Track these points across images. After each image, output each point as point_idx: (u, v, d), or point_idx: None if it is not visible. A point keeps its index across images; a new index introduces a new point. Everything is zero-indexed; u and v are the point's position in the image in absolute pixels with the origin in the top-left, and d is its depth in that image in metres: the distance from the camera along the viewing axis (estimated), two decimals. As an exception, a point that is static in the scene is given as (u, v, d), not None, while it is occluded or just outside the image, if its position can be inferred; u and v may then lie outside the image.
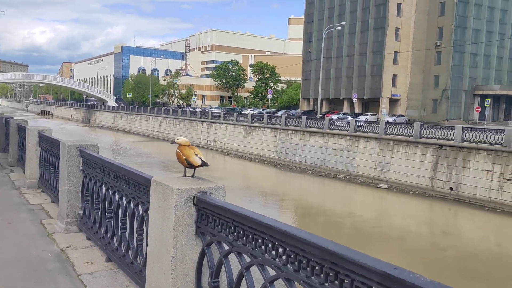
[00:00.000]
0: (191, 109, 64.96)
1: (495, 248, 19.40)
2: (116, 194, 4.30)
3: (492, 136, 25.07)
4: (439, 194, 26.78)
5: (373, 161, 31.22)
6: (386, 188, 29.31)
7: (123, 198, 4.02)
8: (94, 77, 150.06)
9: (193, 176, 3.14)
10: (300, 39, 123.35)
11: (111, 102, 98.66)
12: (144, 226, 3.54)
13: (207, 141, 51.19)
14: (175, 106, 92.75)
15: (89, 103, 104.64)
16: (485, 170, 24.86)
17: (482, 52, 60.76)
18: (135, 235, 3.78)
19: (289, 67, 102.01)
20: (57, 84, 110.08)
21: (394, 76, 61.99)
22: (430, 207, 26.00)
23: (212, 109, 68.81)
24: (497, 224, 22.21)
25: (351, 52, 66.72)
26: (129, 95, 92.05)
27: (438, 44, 58.80)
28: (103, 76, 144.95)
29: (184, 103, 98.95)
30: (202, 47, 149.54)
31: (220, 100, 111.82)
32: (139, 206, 3.64)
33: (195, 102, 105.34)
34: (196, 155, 3.10)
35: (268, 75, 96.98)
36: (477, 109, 51.76)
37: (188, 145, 3.23)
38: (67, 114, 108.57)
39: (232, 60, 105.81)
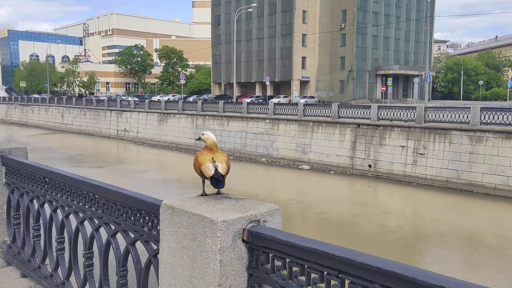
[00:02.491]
0: (98, 98, 60.67)
1: (413, 217, 20.36)
2: (72, 216, 3.11)
3: (405, 113, 26.33)
4: (359, 172, 27.69)
5: (293, 143, 31.40)
6: (308, 169, 29.67)
7: (101, 229, 2.84)
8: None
9: (218, 193, 2.15)
10: (206, 22, 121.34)
11: (1, 93, 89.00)
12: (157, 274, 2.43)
13: (118, 131, 48.14)
14: (77, 94, 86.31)
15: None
16: (400, 146, 26.12)
17: (382, 34, 64.32)
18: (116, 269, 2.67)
19: (196, 51, 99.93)
20: None
21: (304, 58, 63.31)
22: (351, 185, 26.78)
23: (122, 97, 64.99)
24: (414, 196, 23.44)
25: (260, 35, 66.75)
26: (23, 84, 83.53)
27: (343, 26, 61.02)
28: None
29: (87, 91, 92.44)
30: (102, 31, 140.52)
31: (126, 87, 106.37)
32: (134, 245, 2.53)
33: (99, 90, 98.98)
34: (214, 161, 2.12)
35: (175, 59, 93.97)
36: (382, 88, 54.82)
37: (212, 149, 2.23)
38: None
39: (136, 45, 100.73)
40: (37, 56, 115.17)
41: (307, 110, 31.26)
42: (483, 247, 15.29)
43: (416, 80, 48.78)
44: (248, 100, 49.64)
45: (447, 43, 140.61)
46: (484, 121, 23.47)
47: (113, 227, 2.70)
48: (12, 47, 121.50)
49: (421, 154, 25.32)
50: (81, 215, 3.00)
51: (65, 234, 3.21)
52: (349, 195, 24.67)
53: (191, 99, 58.60)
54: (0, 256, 4.01)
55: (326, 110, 30.06)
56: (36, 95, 75.30)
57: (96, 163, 33.29)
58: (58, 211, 3.28)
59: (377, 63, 63.96)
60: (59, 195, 3.23)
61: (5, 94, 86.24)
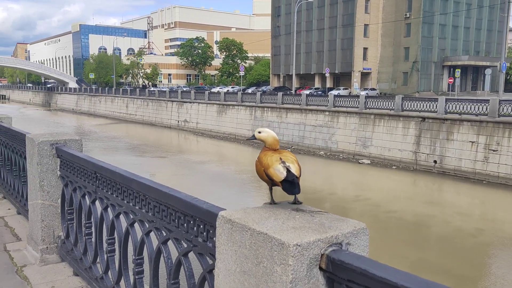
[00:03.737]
0: (160, 89, 62.46)
1: (492, 220, 18.93)
2: (122, 216, 2.86)
3: (476, 107, 24.55)
4: (423, 168, 26.28)
5: (353, 136, 30.39)
6: (368, 164, 28.61)
7: (151, 232, 2.56)
8: (52, 58, 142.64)
9: (295, 202, 1.77)
10: (266, 14, 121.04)
11: (72, 84, 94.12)
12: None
13: (178, 121, 49.22)
14: (141, 86, 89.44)
15: (49, 85, 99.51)
16: (470, 141, 24.42)
17: (450, 23, 60.70)
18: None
19: (256, 43, 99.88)
20: (11, 66, 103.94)
21: (365, 49, 61.24)
22: (415, 181, 25.47)
23: (183, 88, 66.48)
24: (487, 196, 21.82)
25: (321, 26, 65.35)
26: (91, 76, 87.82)
27: (408, 15, 58.22)
28: (62, 57, 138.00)
29: (150, 83, 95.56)
30: (165, 24, 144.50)
31: (187, 79, 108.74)
32: (191, 253, 2.21)
33: (161, 81, 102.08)
34: (283, 162, 1.72)
35: (235, 51, 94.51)
36: (449, 80, 51.80)
37: (276, 149, 1.86)
38: (25, 98, 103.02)
39: (197, 37, 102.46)
40: (105, 49, 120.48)
41: (368, 102, 30.09)
42: None
43: (488, 71, 45.56)
44: (307, 92, 48.86)
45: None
46: None
47: (164, 234, 2.40)
48: (83, 40, 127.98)
49: (494, 151, 23.51)
50: (131, 216, 2.74)
51: (115, 235, 2.97)
52: (416, 193, 23.38)
53: (249, 90, 58.66)
54: (55, 251, 3.89)
55: (389, 103, 28.75)
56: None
57: (158, 153, 34.17)
58: (109, 209, 3.04)
59: (444, 54, 60.49)
60: (109, 193, 3.00)
61: (76, 86, 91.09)
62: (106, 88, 71.17)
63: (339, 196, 21.43)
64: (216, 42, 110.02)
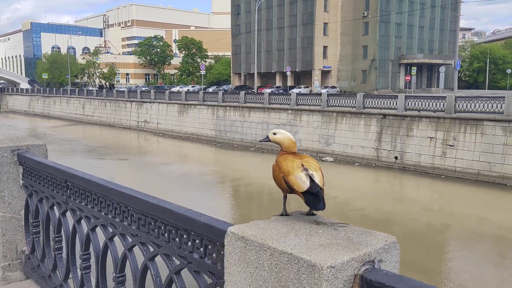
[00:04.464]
0: (118, 89, 60.83)
1: (459, 216, 19.50)
2: (100, 229, 2.58)
3: (434, 103, 25.32)
4: (385, 164, 26.86)
5: (316, 134, 30.67)
6: (332, 161, 28.94)
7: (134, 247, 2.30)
8: (2, 58, 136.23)
9: (310, 212, 1.59)
10: (225, 12, 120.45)
11: (24, 85, 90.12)
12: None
13: (138, 122, 48.09)
14: (98, 86, 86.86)
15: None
16: (428, 137, 25.16)
17: (406, 22, 62.54)
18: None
19: (216, 42, 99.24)
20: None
21: (325, 47, 62.09)
22: (377, 177, 25.97)
23: (141, 88, 65.06)
24: (446, 190, 22.51)
25: (281, 25, 65.70)
26: (45, 76, 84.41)
27: (365, 14, 59.50)
28: (12, 57, 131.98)
29: (107, 83, 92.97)
30: (122, 22, 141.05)
31: (146, 78, 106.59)
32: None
33: (118, 81, 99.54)
34: (306, 169, 1.54)
35: (194, 50, 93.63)
36: (407, 78, 53.33)
37: (294, 151, 1.68)
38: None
39: (155, 36, 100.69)
40: (59, 48, 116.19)
41: (330, 100, 30.45)
42: None
43: (442, 69, 47.28)
44: (269, 90, 48.94)
45: (472, 31, 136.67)
46: (520, 111, 22.35)
47: (151, 249, 2.16)
48: (35, 39, 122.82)
49: (451, 146, 24.34)
50: (110, 229, 2.47)
51: (92, 250, 2.68)
52: (380, 189, 23.77)
53: (210, 90, 58.22)
54: (18, 268, 3.54)
55: (351, 100, 29.20)
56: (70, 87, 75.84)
57: (118, 155, 33.19)
58: (83, 222, 2.76)
59: (401, 52, 62.29)
60: (83, 204, 2.71)
61: (28, 86, 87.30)
62: (61, 89, 68.65)
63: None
64: (175, 41, 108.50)
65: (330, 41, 62.40)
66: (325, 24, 61.52)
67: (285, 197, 1.63)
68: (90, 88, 68.84)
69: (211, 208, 17.58)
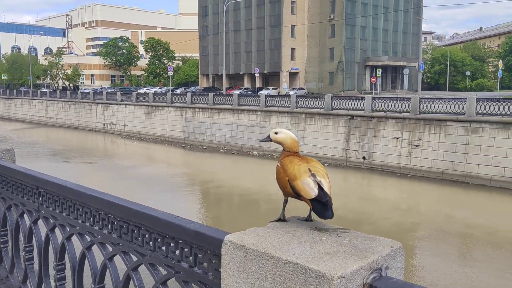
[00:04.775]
0: (83, 90, 59.27)
1: (427, 214, 19.97)
2: (76, 238, 2.44)
3: (399, 104, 25.91)
4: (353, 164, 27.27)
5: (286, 135, 30.77)
6: (301, 162, 29.12)
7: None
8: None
9: (308, 218, 1.53)
10: (192, 14, 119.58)
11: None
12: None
13: (104, 124, 46.99)
14: (61, 87, 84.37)
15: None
16: (395, 137, 25.72)
17: (370, 25, 63.87)
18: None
19: (183, 43, 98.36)
20: None
21: (292, 49, 62.59)
22: (347, 178, 26.32)
23: (107, 89, 63.64)
24: (413, 189, 23.06)
25: (248, 26, 65.79)
26: (5, 77, 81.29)
27: (331, 17, 60.38)
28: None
29: (71, 84, 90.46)
30: (86, 22, 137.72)
31: (111, 80, 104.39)
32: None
33: (83, 83, 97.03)
34: (313, 174, 1.49)
35: (161, 51, 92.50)
36: (373, 80, 54.40)
37: (297, 151, 1.62)
38: None
39: (121, 37, 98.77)
40: (19, 48, 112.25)
41: (299, 101, 30.68)
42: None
43: (406, 71, 48.55)
44: (237, 92, 48.90)
45: (433, 34, 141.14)
46: (480, 111, 23.18)
47: (134, 258, 2.05)
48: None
49: (416, 146, 24.97)
50: (88, 238, 2.34)
51: (67, 260, 2.54)
52: (350, 190, 24.05)
53: (178, 91, 57.68)
54: (-17, 280, 3.32)
55: (319, 102, 29.51)
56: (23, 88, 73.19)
57: (84, 158, 32.29)
58: (57, 231, 2.60)
59: (366, 54, 63.57)
60: (57, 211, 2.56)
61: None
62: (22, 90, 66.25)
63: (279, 196, 21.40)
64: (141, 42, 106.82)
65: (298, 43, 62.97)
66: (293, 26, 62.05)
67: (285, 202, 1.57)
68: (44, 90, 66.51)
69: (183, 211, 17.34)
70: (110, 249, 2.20)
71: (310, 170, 1.48)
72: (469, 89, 74.90)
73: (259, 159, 31.03)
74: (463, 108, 23.64)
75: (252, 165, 29.72)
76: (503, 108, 22.62)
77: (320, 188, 1.43)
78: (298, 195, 1.47)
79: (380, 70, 54.97)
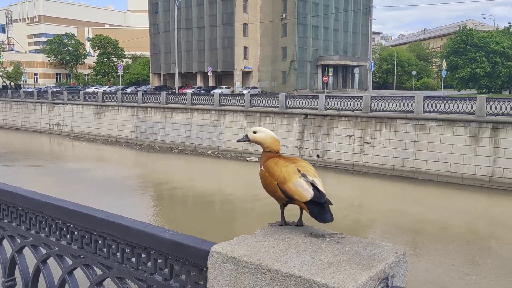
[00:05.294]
0: (25, 89, 56.34)
1: (387, 211, 20.47)
2: (29, 251, 2.18)
3: (352, 103, 26.48)
4: (307, 160, 27.56)
5: (241, 134, 30.57)
6: (256, 161, 29.13)
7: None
8: None
9: (299, 223, 1.40)
10: (142, 10, 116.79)
11: None
12: None
13: (50, 125, 44.91)
14: (1, 86, 79.80)
15: None
16: (348, 135, 26.28)
17: (322, 25, 65.06)
18: None
19: (132, 41, 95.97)
20: None
21: (245, 48, 62.60)
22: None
23: (52, 88, 60.86)
24: (366, 186, 23.63)
25: (201, 24, 65.11)
26: None
27: (284, 16, 60.94)
28: None
29: (12, 83, 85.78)
30: (28, 18, 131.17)
31: (57, 78, 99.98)
32: None
33: (25, 81, 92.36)
34: (303, 175, 1.36)
35: (110, 49, 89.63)
36: (325, 79, 55.41)
37: (278, 151, 1.50)
38: None
39: (67, 33, 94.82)
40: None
41: (254, 100, 30.68)
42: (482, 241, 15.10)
43: (356, 70, 49.82)
44: (190, 91, 48.26)
45: (380, 35, 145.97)
46: (427, 109, 24.11)
47: (99, 272, 1.84)
48: None
49: (368, 143, 25.63)
50: (43, 250, 2.09)
51: (18, 275, 2.27)
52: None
53: (128, 90, 56.20)
54: None
55: (274, 101, 29.64)
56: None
57: (29, 161, 30.64)
58: (5, 242, 2.33)
59: (318, 54, 64.67)
60: (6, 221, 2.29)
61: None
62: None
63: (238, 196, 21.27)
64: (88, 39, 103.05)
65: (251, 42, 63.06)
66: (245, 25, 62.05)
67: (282, 207, 1.43)
68: None
69: (137, 215, 16.82)
70: (70, 262, 1.98)
71: (299, 170, 1.36)
72: (415, 88, 78.07)
73: (214, 159, 30.75)
74: (411, 106, 24.49)
75: (207, 165, 29.40)
76: (448, 106, 23.66)
77: (315, 188, 1.30)
78: (290, 199, 1.34)
79: (332, 69, 56.11)
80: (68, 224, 1.94)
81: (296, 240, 1.24)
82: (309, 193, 1.30)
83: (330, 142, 26.85)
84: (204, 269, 1.40)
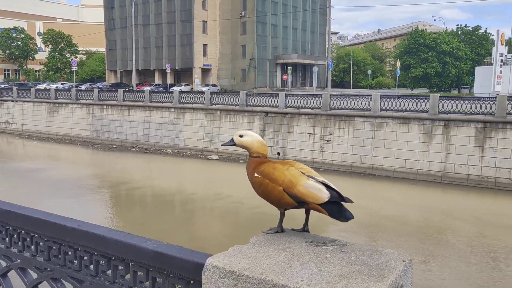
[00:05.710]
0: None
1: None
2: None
3: (311, 101, 26.79)
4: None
5: (201, 132, 30.40)
6: (217, 159, 28.94)
7: None
8: None
9: (304, 229, 1.32)
10: (97, 5, 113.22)
11: None
12: None
13: (-2, 123, 42.70)
14: None
15: None
16: (308, 133, 26.56)
17: (281, 24, 65.49)
18: None
19: (87, 36, 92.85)
20: None
21: (205, 45, 62.05)
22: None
23: (1, 85, 57.94)
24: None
25: (158, 21, 63.90)
26: None
27: (243, 14, 60.87)
28: None
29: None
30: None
31: (5, 74, 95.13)
32: None
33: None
34: (309, 176, 1.29)
35: (63, 45, 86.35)
36: (284, 77, 55.78)
37: (267, 155, 1.41)
38: None
39: (15, 27, 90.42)
40: None
41: (214, 98, 30.43)
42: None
43: (315, 69, 50.51)
44: (148, 88, 47.29)
45: (337, 35, 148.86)
46: (384, 108, 24.74)
47: (69, 286, 1.68)
48: None
49: (327, 141, 26.02)
50: (3, 263, 1.90)
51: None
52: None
53: (83, 87, 54.37)
54: None
55: (234, 99, 29.51)
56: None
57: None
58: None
59: (277, 52, 65.07)
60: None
61: None
62: None
63: (201, 195, 20.94)
64: (39, 34, 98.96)
65: (210, 39, 62.58)
66: (204, 22, 61.49)
67: (283, 214, 1.34)
68: None
69: (94, 217, 16.26)
70: (35, 275, 1.80)
71: (303, 173, 1.27)
72: (370, 86, 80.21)
73: (173, 157, 30.26)
74: (369, 104, 25.06)
75: (167, 164, 28.88)
76: (403, 105, 24.39)
77: (329, 188, 1.22)
78: (300, 203, 1.25)
79: (291, 67, 56.59)
80: (32, 234, 1.76)
81: (298, 250, 1.15)
82: (325, 194, 1.22)
83: (291, 140, 27.05)
84: (192, 282, 1.29)
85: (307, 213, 1.36)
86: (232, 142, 1.52)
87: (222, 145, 1.73)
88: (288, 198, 1.28)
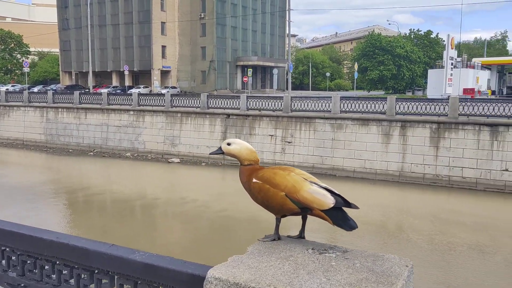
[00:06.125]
0: None
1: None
2: None
3: (273, 103, 26.95)
4: (230, 162, 27.54)
5: (161, 135, 29.91)
6: (178, 162, 28.56)
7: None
8: None
9: (301, 235, 1.29)
10: (49, 4, 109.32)
11: None
12: None
13: None
14: None
15: None
16: (269, 135, 26.70)
17: (240, 26, 65.60)
18: None
19: (39, 36, 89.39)
20: None
21: (164, 47, 61.17)
22: (223, 177, 26.51)
23: None
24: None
25: (115, 21, 62.42)
26: None
27: (202, 16, 60.51)
28: None
29: None
30: None
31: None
32: None
33: None
34: (312, 182, 1.27)
35: (13, 45, 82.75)
36: (245, 79, 55.85)
37: (258, 162, 1.38)
38: None
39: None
40: None
41: (174, 100, 30.03)
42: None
43: (275, 71, 50.93)
44: (106, 90, 46.07)
45: (296, 37, 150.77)
46: (344, 109, 25.26)
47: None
48: None
49: (289, 142, 26.26)
50: (-31, 280, 1.76)
51: None
52: (232, 188, 23.77)
53: (36, 89, 52.28)
54: None
55: (195, 101, 29.25)
56: None
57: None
58: None
59: (237, 54, 65.11)
60: None
61: None
62: None
63: (164, 200, 20.49)
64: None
65: (169, 40, 61.77)
66: (163, 23, 60.64)
67: (279, 220, 1.30)
68: None
69: (53, 225, 15.63)
70: (6, 292, 1.68)
71: (305, 179, 1.25)
72: (329, 88, 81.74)
73: (133, 161, 29.60)
74: (329, 106, 25.50)
75: (127, 168, 28.22)
76: (362, 106, 24.99)
77: (334, 194, 1.20)
78: (303, 209, 1.22)
79: (251, 69, 56.76)
80: (4, 248, 1.64)
81: (301, 259, 1.12)
82: (330, 200, 1.19)
83: (253, 142, 27.06)
84: (185, 294, 1.23)
85: (304, 219, 1.33)
86: (220, 151, 1.48)
87: (210, 154, 1.68)
88: (290, 204, 1.25)
